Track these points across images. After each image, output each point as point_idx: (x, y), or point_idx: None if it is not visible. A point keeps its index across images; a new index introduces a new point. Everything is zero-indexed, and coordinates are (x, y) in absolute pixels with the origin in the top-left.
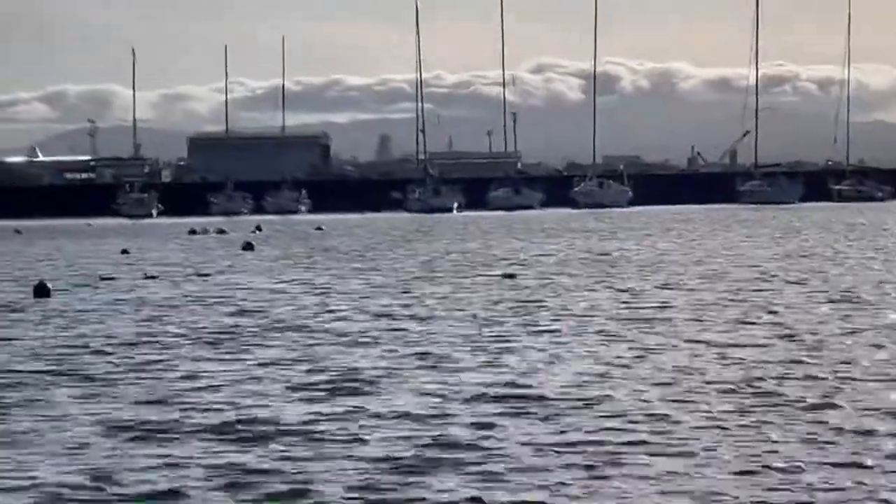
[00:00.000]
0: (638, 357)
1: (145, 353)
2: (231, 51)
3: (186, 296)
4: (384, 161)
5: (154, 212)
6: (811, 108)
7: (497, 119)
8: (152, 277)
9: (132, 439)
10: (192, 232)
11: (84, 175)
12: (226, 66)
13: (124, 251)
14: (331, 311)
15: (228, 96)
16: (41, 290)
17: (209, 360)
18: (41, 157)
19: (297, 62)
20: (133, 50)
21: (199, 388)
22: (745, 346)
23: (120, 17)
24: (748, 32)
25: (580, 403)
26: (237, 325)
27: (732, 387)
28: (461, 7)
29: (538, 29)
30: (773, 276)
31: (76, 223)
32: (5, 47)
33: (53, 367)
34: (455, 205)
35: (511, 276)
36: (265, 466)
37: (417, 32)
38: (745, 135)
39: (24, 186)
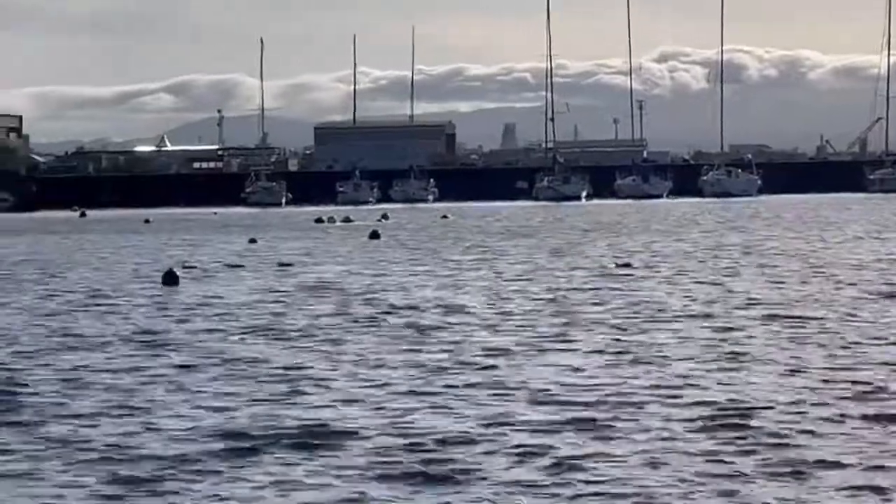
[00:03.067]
0: None
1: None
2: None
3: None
4: (509, 150)
5: (283, 200)
6: None
7: (620, 108)
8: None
9: None
10: (319, 221)
11: (211, 164)
12: (354, 57)
13: (252, 240)
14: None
15: (353, 86)
16: (170, 278)
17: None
18: (169, 147)
19: (417, 52)
20: (261, 40)
21: None
22: None
23: (242, 8)
24: (879, 20)
25: None
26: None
27: None
28: None
29: (661, 18)
30: None
31: (204, 212)
32: (132, 38)
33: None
34: (584, 193)
35: None
36: None
37: (548, 22)
38: (875, 122)
39: (153, 175)
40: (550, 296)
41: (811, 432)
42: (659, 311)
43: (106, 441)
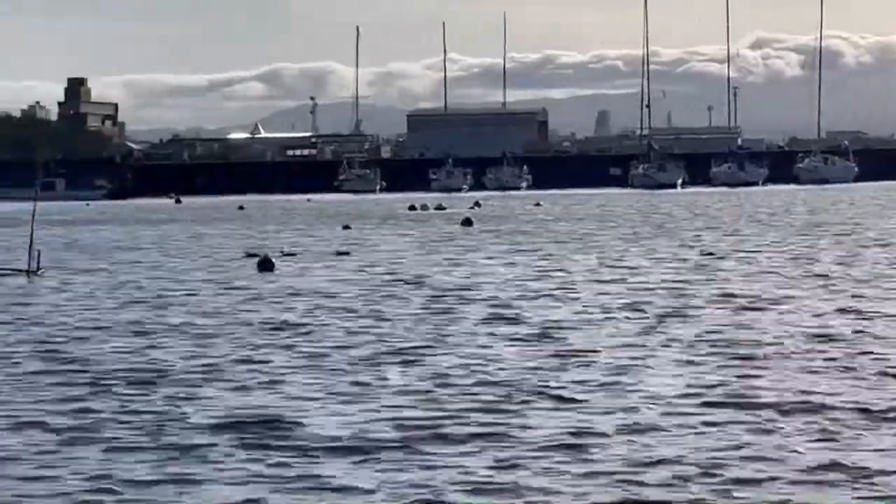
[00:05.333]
0: None
1: None
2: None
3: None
4: (603, 137)
5: (377, 188)
6: None
7: (712, 95)
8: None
9: None
10: (412, 208)
11: (305, 151)
12: (444, 44)
13: (346, 227)
14: None
15: (443, 73)
16: (265, 264)
17: None
18: (263, 134)
19: (508, 39)
20: (357, 28)
21: None
22: None
23: None
24: None
25: None
26: None
27: None
28: None
29: (755, 4)
30: None
31: (298, 199)
32: (223, 27)
33: None
34: (679, 180)
35: None
36: None
37: (646, 9)
38: None
39: (248, 162)
40: None
41: None
42: None
43: None
